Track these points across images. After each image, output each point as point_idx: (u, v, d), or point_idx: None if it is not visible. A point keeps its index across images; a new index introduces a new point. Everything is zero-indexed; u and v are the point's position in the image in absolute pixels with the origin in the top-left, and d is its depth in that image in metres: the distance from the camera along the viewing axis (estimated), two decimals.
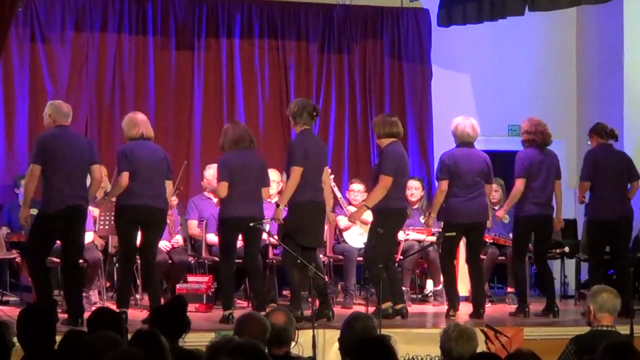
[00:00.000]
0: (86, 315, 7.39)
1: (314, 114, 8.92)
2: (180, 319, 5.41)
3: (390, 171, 8.97)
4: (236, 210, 8.76)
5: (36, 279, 8.51)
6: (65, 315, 8.36)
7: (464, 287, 10.09)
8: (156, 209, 8.66)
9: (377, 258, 8.79)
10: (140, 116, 8.91)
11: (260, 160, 9.10)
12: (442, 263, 9.50)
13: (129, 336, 4.90)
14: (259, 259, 9.21)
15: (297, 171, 8.75)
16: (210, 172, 10.12)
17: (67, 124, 8.63)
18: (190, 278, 9.87)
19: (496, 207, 10.58)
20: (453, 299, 9.30)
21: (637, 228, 10.94)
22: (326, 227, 9.75)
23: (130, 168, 8.60)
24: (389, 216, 9.02)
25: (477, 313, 9.16)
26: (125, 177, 8.61)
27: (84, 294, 9.39)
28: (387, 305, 8.81)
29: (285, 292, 10.86)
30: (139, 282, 9.57)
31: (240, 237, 9.01)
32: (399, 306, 8.99)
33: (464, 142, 9.33)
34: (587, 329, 6.03)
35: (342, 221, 10.42)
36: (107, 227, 9.66)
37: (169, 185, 8.92)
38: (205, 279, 9.70)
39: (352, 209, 10.40)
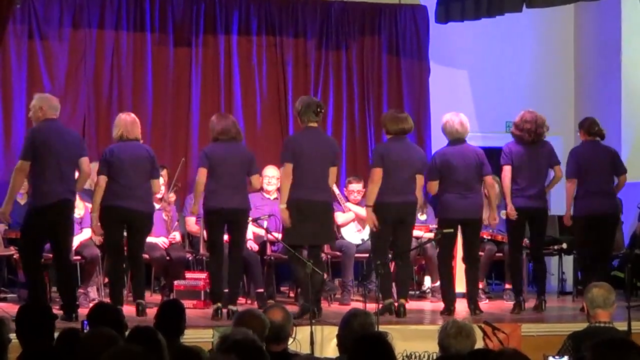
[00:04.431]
0: (84, 311, 7.40)
1: (318, 110, 8.88)
2: (179, 322, 5.44)
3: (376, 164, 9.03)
4: (221, 200, 8.72)
5: (28, 275, 8.52)
6: (61, 312, 8.35)
7: (462, 284, 10.06)
8: (138, 212, 8.70)
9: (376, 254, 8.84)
10: (124, 117, 8.93)
11: (245, 152, 9.00)
12: (440, 262, 9.46)
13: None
14: (243, 251, 9.15)
15: (286, 167, 8.75)
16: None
17: (56, 117, 8.61)
18: (188, 275, 9.87)
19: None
20: (449, 299, 9.22)
21: (633, 225, 10.96)
22: None
23: (107, 170, 8.69)
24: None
25: (471, 312, 9.14)
26: (101, 180, 8.70)
27: (82, 290, 9.41)
28: (388, 301, 8.84)
29: (283, 289, 10.88)
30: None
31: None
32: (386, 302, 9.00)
33: (455, 138, 9.32)
34: (585, 325, 6.04)
35: (340, 217, 10.42)
36: None
37: (154, 184, 8.93)
38: (203, 275, 9.69)
39: (350, 205, 10.42)
